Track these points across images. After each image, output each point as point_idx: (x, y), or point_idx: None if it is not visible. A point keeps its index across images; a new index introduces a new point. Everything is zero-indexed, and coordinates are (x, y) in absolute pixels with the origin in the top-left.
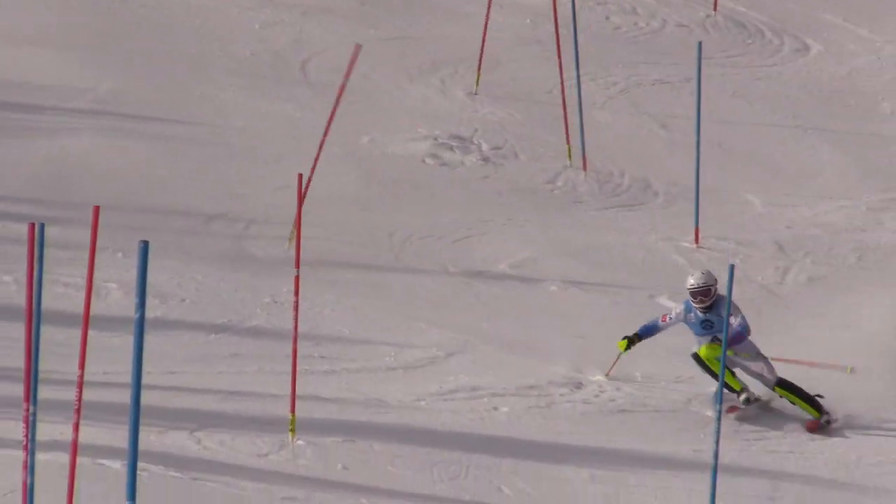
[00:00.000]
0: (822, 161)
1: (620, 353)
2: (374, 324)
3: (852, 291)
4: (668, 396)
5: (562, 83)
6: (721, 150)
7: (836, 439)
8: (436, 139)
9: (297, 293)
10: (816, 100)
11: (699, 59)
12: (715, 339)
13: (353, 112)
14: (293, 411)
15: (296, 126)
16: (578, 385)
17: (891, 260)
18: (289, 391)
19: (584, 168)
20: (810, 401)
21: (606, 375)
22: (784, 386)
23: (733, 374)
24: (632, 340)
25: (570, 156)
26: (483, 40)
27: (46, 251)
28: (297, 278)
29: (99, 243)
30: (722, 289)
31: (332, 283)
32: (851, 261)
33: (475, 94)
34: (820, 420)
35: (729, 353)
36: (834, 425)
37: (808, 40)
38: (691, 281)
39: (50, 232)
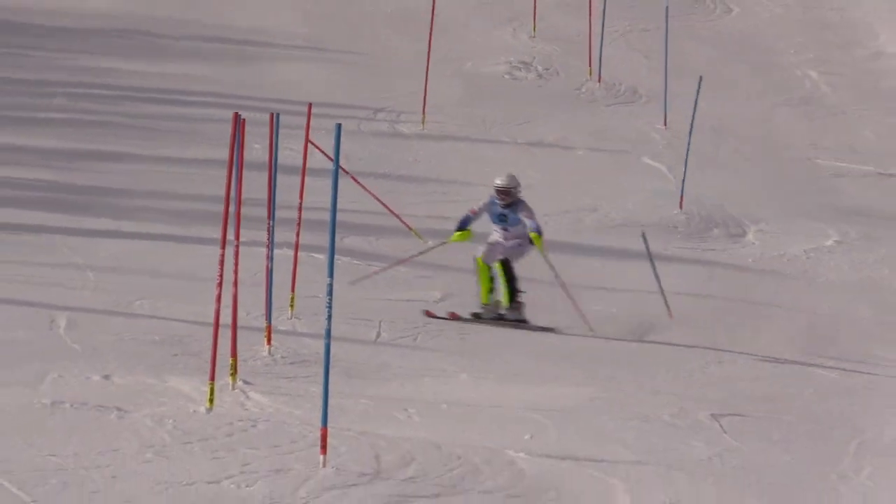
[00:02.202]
0: (738, 76)
1: (450, 241)
2: (474, 172)
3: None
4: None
5: (590, 30)
6: (681, 70)
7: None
8: (510, 63)
9: None
10: (737, 42)
11: (667, 16)
12: (504, 231)
13: (460, 47)
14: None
15: (422, 56)
16: (594, 209)
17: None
18: (427, 213)
19: (599, 81)
20: (513, 293)
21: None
22: (506, 267)
23: (493, 288)
24: (460, 230)
25: (590, 73)
26: (535, 4)
27: (281, 130)
28: None
29: (311, 125)
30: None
31: (450, 148)
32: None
33: (534, 36)
34: (508, 308)
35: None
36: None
37: (731, 5)
38: (498, 181)
39: (282, 119)
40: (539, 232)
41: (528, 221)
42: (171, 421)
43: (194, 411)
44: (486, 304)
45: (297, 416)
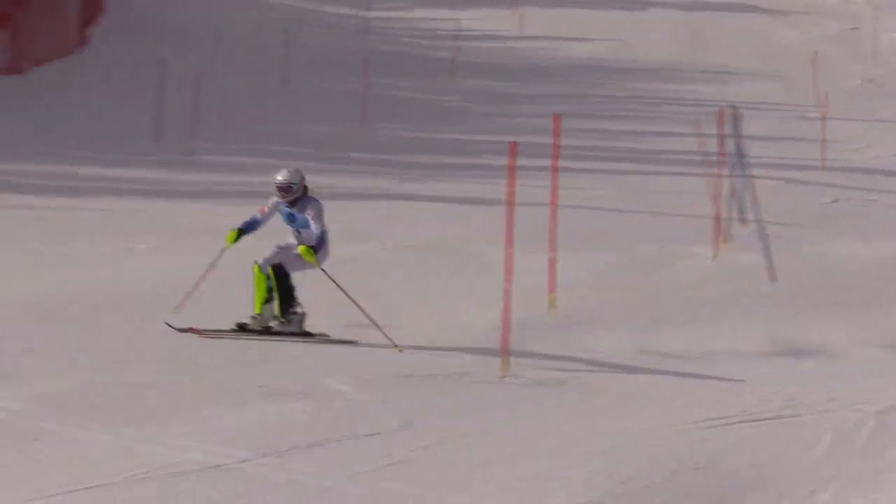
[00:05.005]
0: None
1: (227, 246)
2: None
3: None
4: None
5: None
6: None
7: None
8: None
9: None
10: None
11: None
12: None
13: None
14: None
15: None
16: None
17: None
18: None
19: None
20: (285, 302)
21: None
22: (279, 273)
23: (270, 298)
24: (240, 233)
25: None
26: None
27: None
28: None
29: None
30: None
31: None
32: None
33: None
34: (278, 319)
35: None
36: (279, 327)
37: None
38: (277, 177)
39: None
40: (311, 244)
41: (311, 224)
42: None
43: None
44: (258, 315)
45: None
